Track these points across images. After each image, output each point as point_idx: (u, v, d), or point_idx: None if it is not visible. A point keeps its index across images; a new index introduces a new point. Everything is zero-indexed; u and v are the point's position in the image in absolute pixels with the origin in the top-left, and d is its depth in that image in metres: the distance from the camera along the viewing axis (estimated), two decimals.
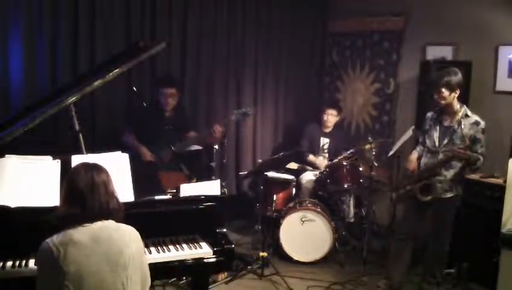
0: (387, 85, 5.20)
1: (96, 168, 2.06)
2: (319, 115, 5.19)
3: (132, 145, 4.18)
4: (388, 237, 4.69)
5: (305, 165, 5.16)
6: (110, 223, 1.99)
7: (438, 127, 3.56)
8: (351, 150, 4.68)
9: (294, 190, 4.80)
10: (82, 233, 1.90)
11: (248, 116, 4.48)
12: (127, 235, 1.98)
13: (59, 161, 2.61)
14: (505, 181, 3.47)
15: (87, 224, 1.93)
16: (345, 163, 4.63)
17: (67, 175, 2.06)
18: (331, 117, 5.09)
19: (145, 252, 2.22)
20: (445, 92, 3.40)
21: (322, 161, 5.06)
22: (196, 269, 2.70)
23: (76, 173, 2.01)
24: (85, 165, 2.07)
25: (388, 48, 5.17)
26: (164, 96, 4.31)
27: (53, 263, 1.83)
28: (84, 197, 1.95)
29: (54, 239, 1.87)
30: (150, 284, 2.12)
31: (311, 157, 5.13)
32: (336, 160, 4.73)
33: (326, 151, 5.17)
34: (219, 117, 5.23)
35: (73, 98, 2.80)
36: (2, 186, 2.47)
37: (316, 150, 5.18)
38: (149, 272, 2.12)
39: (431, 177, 3.50)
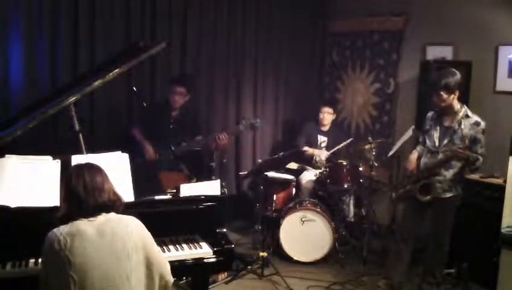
0: (387, 85, 5.19)
1: (88, 167, 2.09)
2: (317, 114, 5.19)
3: (139, 140, 4.32)
4: (388, 237, 4.70)
5: (305, 164, 5.15)
6: (112, 216, 2.02)
7: (438, 127, 3.54)
8: (351, 138, 4.67)
9: (294, 190, 4.80)
10: (88, 226, 1.93)
11: (256, 128, 4.50)
12: (129, 226, 2.00)
13: (59, 161, 2.61)
14: (504, 181, 3.47)
15: (92, 218, 1.96)
16: (344, 163, 4.64)
17: (64, 177, 2.11)
18: (327, 115, 5.09)
19: None
20: (444, 94, 3.37)
21: (320, 152, 5.04)
22: (196, 269, 2.70)
23: (70, 175, 2.05)
24: (77, 166, 2.11)
25: (388, 48, 5.16)
26: (173, 94, 4.42)
27: (59, 252, 1.85)
28: (79, 196, 1.98)
29: (61, 229, 1.91)
30: (168, 275, 2.10)
31: (308, 149, 5.10)
32: (336, 148, 4.77)
33: (324, 149, 5.16)
34: (219, 116, 5.25)
35: (73, 98, 2.80)
36: (2, 186, 2.46)
37: (314, 149, 5.17)
38: (165, 264, 2.10)
39: (430, 177, 3.49)
